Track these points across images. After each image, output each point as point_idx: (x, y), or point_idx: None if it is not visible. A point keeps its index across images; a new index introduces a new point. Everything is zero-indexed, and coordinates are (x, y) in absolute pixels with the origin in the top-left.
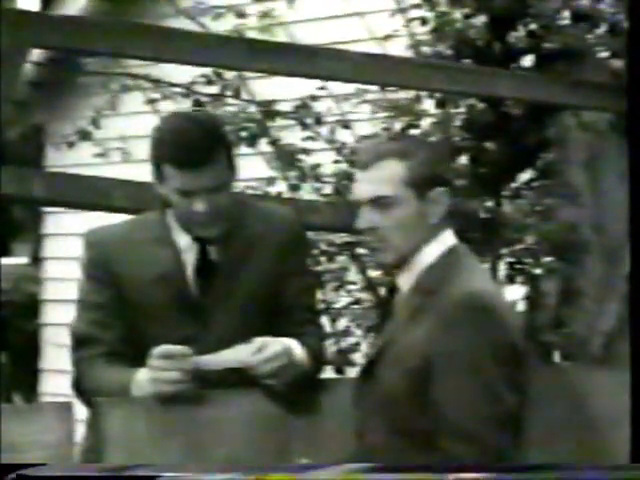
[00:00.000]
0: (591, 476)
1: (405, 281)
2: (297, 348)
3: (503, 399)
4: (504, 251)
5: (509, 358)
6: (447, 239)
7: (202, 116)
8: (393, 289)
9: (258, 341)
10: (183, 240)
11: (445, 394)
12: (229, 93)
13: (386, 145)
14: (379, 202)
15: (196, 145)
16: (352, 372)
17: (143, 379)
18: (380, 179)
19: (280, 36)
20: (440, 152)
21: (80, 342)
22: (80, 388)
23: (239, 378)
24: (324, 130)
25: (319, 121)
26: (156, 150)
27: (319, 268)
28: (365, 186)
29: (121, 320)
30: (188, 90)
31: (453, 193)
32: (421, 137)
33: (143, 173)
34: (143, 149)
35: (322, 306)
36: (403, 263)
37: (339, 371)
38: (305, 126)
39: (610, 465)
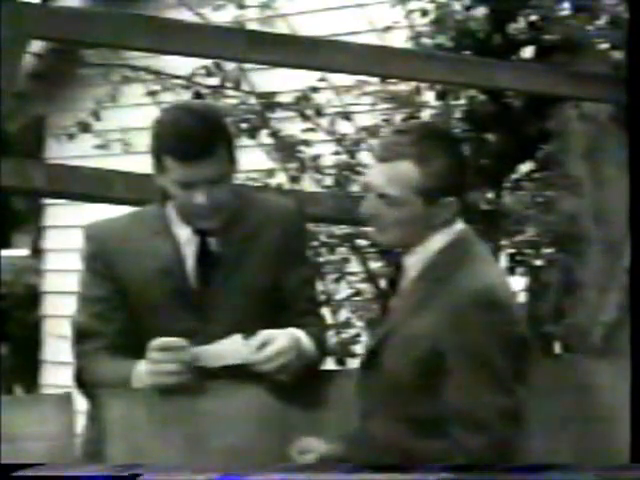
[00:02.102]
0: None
1: (413, 265)
2: (304, 339)
3: (510, 389)
4: (505, 242)
5: (517, 349)
6: (456, 226)
7: (203, 108)
8: (394, 280)
9: (262, 335)
10: (183, 232)
11: (453, 384)
12: (229, 85)
13: (407, 146)
14: (385, 198)
15: (196, 137)
16: (353, 363)
17: (142, 371)
18: (392, 178)
19: (280, 28)
20: (461, 157)
21: (81, 335)
22: (82, 381)
23: (241, 371)
24: (324, 122)
25: (319, 113)
26: (156, 142)
27: (320, 259)
28: (377, 178)
29: (122, 313)
30: (188, 82)
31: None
32: (449, 136)
33: (144, 165)
34: (144, 141)
35: (323, 297)
36: (406, 250)
37: (340, 362)
38: (305, 118)
39: (610, 465)
